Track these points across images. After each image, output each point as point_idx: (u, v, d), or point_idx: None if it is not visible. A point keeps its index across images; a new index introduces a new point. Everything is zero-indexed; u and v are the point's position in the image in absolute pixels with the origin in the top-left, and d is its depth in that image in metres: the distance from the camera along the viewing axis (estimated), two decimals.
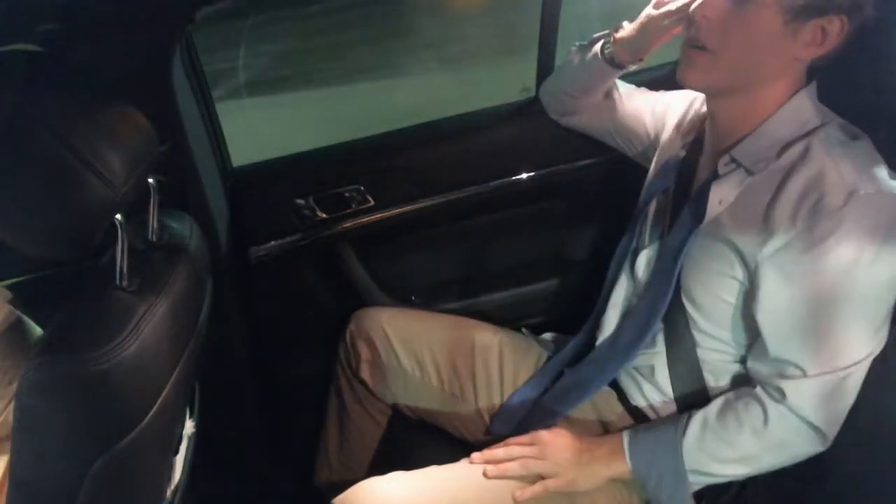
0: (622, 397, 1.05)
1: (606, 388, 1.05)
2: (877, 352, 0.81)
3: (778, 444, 0.86)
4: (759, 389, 0.87)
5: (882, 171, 0.80)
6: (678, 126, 1.09)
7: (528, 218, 1.48)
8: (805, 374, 0.82)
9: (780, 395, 0.84)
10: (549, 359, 1.17)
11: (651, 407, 1.01)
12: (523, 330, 1.28)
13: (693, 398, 0.96)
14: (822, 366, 0.81)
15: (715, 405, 0.90)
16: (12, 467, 0.69)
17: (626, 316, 1.03)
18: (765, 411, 0.85)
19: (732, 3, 0.81)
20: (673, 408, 0.99)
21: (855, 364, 0.81)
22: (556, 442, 0.96)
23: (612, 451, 0.94)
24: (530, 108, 1.50)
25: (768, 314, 0.84)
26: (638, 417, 1.02)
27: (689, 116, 1.08)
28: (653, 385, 1.00)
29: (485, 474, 0.95)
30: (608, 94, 1.23)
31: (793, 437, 0.85)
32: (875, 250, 0.77)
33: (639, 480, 0.92)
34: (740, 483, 0.96)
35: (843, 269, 0.78)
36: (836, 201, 0.78)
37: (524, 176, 1.46)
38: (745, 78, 0.86)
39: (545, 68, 1.46)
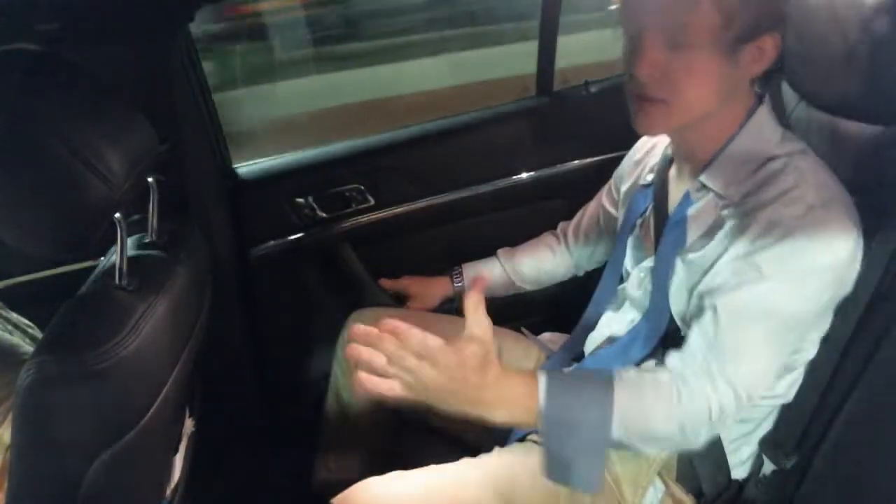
0: None
1: None
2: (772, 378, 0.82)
3: (682, 427, 0.83)
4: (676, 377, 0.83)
5: (848, 199, 0.82)
6: (640, 160, 1.12)
7: (528, 218, 1.48)
8: (722, 392, 0.81)
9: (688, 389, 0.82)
10: (547, 358, 1.17)
11: None
12: (522, 329, 1.28)
13: None
14: (737, 384, 0.80)
15: (635, 375, 0.85)
16: (12, 466, 0.69)
17: (624, 330, 1.04)
18: (679, 393, 0.82)
19: (669, 54, 0.81)
20: None
21: (764, 386, 0.82)
22: (436, 367, 0.75)
23: (519, 396, 0.80)
24: (530, 108, 1.50)
25: (716, 307, 0.83)
26: None
27: (654, 144, 1.10)
28: None
29: (349, 355, 0.78)
30: (555, 246, 1.32)
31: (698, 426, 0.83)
32: (813, 268, 0.78)
33: (543, 433, 0.80)
34: (739, 483, 0.96)
35: (779, 277, 0.78)
36: (795, 212, 0.78)
37: (524, 176, 1.47)
38: (702, 112, 0.86)
39: (545, 68, 1.47)
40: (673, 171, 1.00)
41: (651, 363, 0.94)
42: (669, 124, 0.88)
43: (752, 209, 0.82)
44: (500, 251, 1.34)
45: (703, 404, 0.81)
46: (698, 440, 0.83)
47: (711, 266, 0.86)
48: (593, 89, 1.51)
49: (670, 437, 0.83)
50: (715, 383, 0.81)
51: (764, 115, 0.88)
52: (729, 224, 0.85)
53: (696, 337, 0.84)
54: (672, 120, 0.86)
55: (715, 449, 0.92)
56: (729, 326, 0.81)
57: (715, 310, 0.82)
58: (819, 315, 0.83)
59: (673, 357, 0.86)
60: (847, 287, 0.82)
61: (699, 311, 0.85)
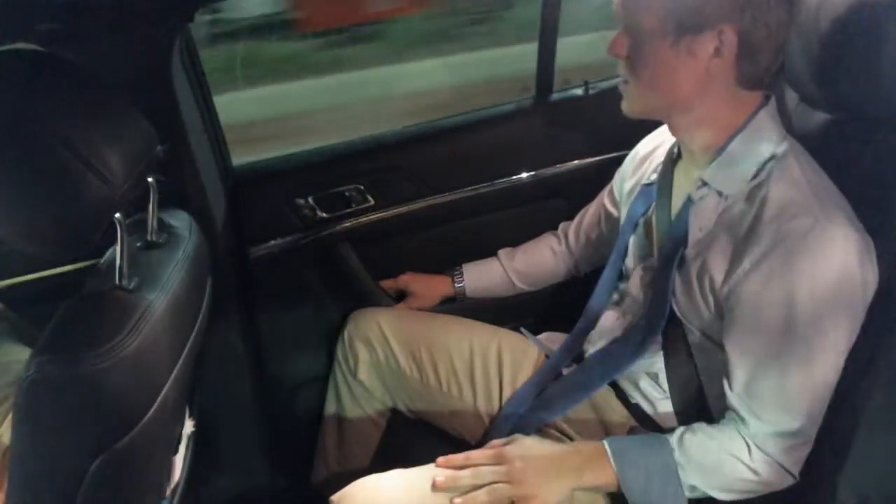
0: (620, 395, 1.05)
1: (605, 387, 1.06)
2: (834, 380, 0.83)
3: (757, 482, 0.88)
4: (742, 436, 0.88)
5: (847, 206, 0.83)
6: (645, 158, 1.12)
7: (528, 218, 1.48)
8: (772, 430, 0.85)
9: (753, 446, 0.86)
10: (547, 358, 1.17)
11: (651, 404, 1.02)
12: (521, 330, 1.28)
13: (691, 398, 0.97)
14: (781, 420, 0.84)
15: (698, 428, 0.91)
16: (11, 466, 0.69)
17: (623, 329, 1.05)
18: (749, 449, 0.87)
19: (627, 37, 0.87)
20: (671, 406, 0.99)
21: (811, 410, 0.84)
22: (520, 459, 0.91)
23: (592, 458, 0.91)
24: (530, 109, 1.50)
25: (736, 347, 0.86)
26: (637, 415, 1.03)
27: (658, 144, 1.10)
28: (652, 384, 1.01)
29: (435, 484, 0.90)
30: (556, 247, 1.33)
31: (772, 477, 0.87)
32: (831, 280, 0.79)
33: (627, 486, 0.89)
34: None
35: (802, 295, 0.79)
36: (804, 224, 0.79)
37: (524, 176, 1.47)
38: (669, 99, 0.88)
39: (545, 68, 1.46)
40: (678, 171, 1.00)
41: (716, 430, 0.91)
42: (637, 105, 0.92)
43: (757, 220, 0.82)
44: (500, 251, 1.34)
45: (775, 470, 0.86)
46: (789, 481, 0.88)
47: (719, 279, 0.86)
48: (593, 89, 1.51)
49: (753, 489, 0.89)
50: (778, 446, 0.85)
51: (766, 115, 0.89)
52: (732, 229, 0.85)
53: (743, 404, 0.86)
54: (638, 101, 0.91)
55: None
56: (776, 386, 0.83)
57: (752, 364, 0.85)
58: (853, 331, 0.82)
59: (731, 426, 0.88)
60: (867, 297, 0.82)
61: (730, 361, 0.87)
